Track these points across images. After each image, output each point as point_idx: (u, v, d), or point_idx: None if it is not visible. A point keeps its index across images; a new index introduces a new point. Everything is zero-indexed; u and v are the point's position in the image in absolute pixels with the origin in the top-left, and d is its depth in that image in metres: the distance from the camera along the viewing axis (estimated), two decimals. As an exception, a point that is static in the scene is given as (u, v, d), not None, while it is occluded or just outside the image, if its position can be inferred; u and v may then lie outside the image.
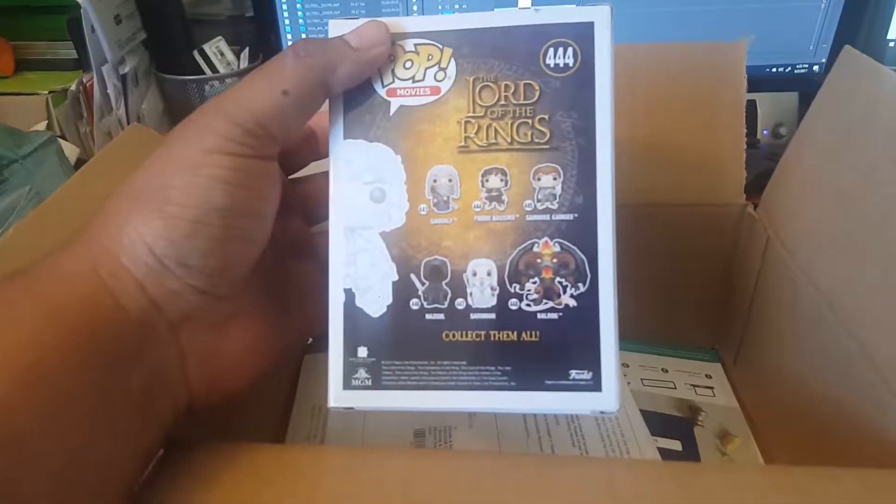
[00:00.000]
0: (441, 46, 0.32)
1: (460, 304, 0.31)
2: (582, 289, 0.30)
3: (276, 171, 0.30)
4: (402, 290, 0.31)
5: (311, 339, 0.44)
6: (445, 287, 0.31)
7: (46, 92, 0.76)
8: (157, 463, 0.25)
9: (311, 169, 0.37)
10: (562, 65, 0.31)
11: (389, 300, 0.31)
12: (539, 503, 0.24)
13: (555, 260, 0.30)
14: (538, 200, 0.31)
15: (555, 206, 0.30)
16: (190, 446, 0.26)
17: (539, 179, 0.31)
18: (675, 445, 0.43)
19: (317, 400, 0.40)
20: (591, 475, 0.25)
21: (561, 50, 0.31)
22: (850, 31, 0.72)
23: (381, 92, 0.32)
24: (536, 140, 0.31)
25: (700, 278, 0.48)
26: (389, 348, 0.31)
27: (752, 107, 0.74)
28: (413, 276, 0.31)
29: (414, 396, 0.30)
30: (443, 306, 0.31)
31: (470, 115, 0.31)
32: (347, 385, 0.31)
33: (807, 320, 0.37)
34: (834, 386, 0.34)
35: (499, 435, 0.35)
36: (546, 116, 0.31)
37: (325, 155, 0.32)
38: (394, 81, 0.32)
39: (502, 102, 0.31)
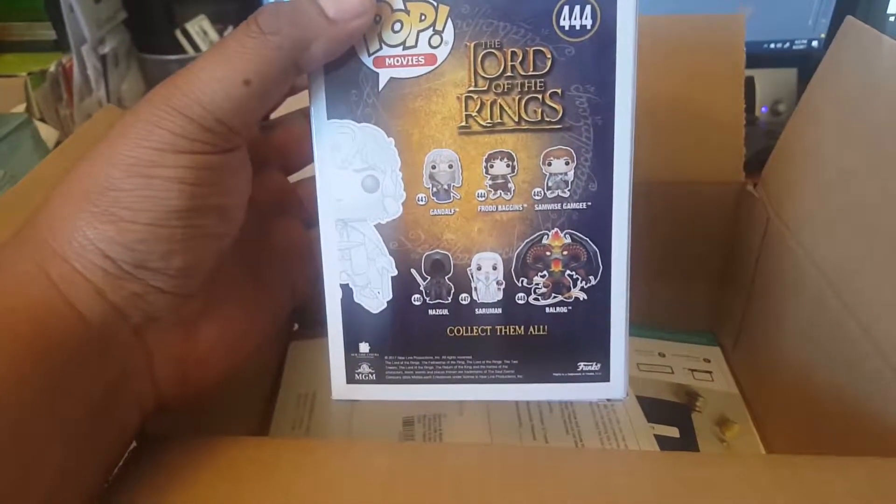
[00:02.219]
0: (435, 3, 0.25)
1: (465, 299, 0.27)
2: (593, 282, 0.27)
3: (243, 159, 0.25)
4: (403, 286, 0.27)
5: (297, 325, 0.41)
6: (448, 282, 0.27)
7: (25, 74, 0.69)
8: (129, 457, 0.23)
9: (284, 107, 0.31)
10: (578, 27, 0.24)
11: (389, 296, 0.27)
12: (528, 502, 0.21)
13: (565, 252, 0.27)
14: (548, 188, 0.26)
15: (566, 195, 0.26)
16: (164, 441, 0.24)
17: (549, 164, 0.26)
18: (673, 432, 0.39)
19: (302, 388, 0.36)
20: (585, 469, 0.23)
21: (577, 8, 0.24)
22: (849, 6, 0.67)
23: (368, 62, 0.25)
24: (547, 119, 0.25)
25: (698, 259, 0.43)
26: (392, 344, 0.28)
27: (750, 83, 0.68)
28: (413, 272, 0.27)
29: (419, 390, 0.28)
30: (446, 301, 0.27)
31: (471, 89, 0.25)
32: (351, 379, 0.28)
33: (809, 302, 0.34)
34: (837, 370, 0.31)
35: (490, 424, 0.32)
36: (559, 91, 0.25)
37: (304, 86, 0.26)
38: (381, 48, 0.25)
39: (508, 74, 0.25)
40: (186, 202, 0.22)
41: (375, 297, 0.27)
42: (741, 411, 0.41)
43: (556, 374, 0.27)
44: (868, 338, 0.29)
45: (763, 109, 0.73)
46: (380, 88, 0.25)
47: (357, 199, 0.26)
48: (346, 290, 0.27)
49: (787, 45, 0.72)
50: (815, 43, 0.71)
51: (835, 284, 0.32)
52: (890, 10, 0.69)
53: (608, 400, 0.27)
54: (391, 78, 0.25)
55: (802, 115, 0.38)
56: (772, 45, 0.72)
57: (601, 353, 0.26)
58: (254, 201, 0.27)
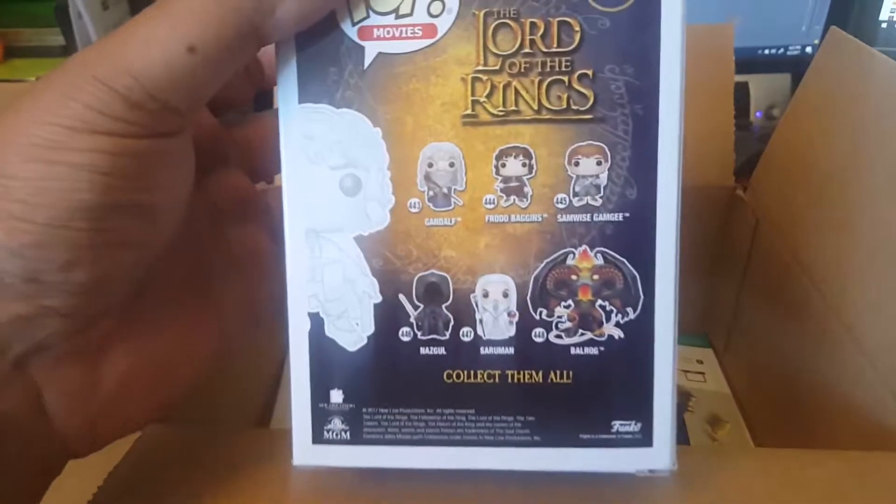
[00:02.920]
0: (437, -38, 0.20)
1: (467, 334, 0.21)
2: (631, 315, 0.21)
3: (184, 148, 0.19)
4: (388, 316, 0.21)
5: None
6: (446, 312, 0.21)
7: (34, 79, 0.69)
8: (132, 445, 0.23)
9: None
10: (614, -6, 0.20)
11: (371, 329, 0.21)
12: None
13: (596, 276, 0.21)
14: (575, 194, 0.20)
15: (598, 203, 0.20)
16: (165, 429, 0.24)
17: (577, 164, 0.20)
18: (666, 431, 0.38)
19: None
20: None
21: (614, -30, 0.20)
22: (841, 12, 0.70)
23: (351, 33, 0.20)
24: (575, 107, 0.20)
25: (689, 262, 0.45)
26: (372, 392, 0.21)
27: (744, 88, 0.69)
28: (402, 297, 0.21)
29: (406, 454, 0.21)
30: (443, 337, 0.21)
31: (480, 68, 0.20)
32: (318, 438, 0.22)
33: (796, 304, 0.34)
34: (823, 370, 0.32)
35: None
36: (589, 72, 0.20)
37: (274, 84, 0.21)
38: (368, 17, 0.20)
39: (527, 50, 0.20)
40: (99, 197, 0.16)
41: (353, 331, 0.21)
42: (733, 411, 0.42)
43: (584, 437, 0.20)
44: (851, 337, 0.29)
45: (757, 114, 0.73)
46: (365, 66, 0.19)
47: (333, 203, 0.20)
48: (316, 321, 0.21)
49: (782, 50, 0.73)
50: (808, 49, 0.73)
51: (819, 285, 0.33)
52: (882, 17, 0.70)
53: (650, 471, 0.20)
54: (380, 53, 0.19)
55: (789, 123, 0.39)
56: (766, 51, 0.73)
57: (642, 408, 0.20)
58: (207, 204, 0.22)
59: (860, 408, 0.29)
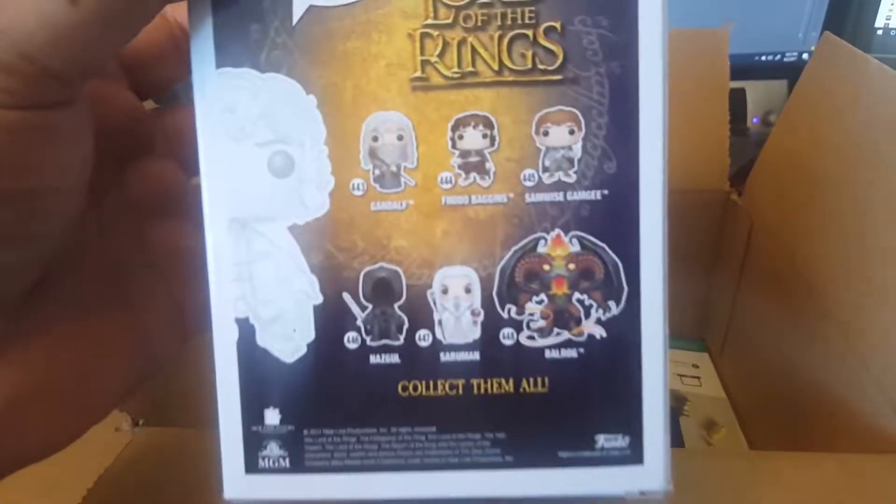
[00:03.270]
0: None
1: (424, 338, 0.18)
2: (614, 310, 0.18)
3: (74, 124, 0.16)
4: (331, 320, 0.18)
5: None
6: (400, 312, 0.18)
7: None
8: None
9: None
10: (584, -67, 0.17)
11: (311, 335, 0.18)
12: None
13: (572, 266, 0.18)
14: (545, 169, 0.17)
15: (572, 179, 0.17)
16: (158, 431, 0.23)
17: (546, 134, 0.17)
18: (660, 436, 0.37)
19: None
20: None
21: None
22: (838, 19, 0.70)
23: (275, -17, 0.17)
24: (542, 66, 0.17)
25: (685, 266, 0.44)
26: (315, 410, 0.18)
27: (741, 95, 0.69)
28: (347, 297, 0.18)
29: (356, 483, 0.18)
30: (397, 343, 0.18)
31: (429, 22, 0.17)
32: (252, 467, 0.18)
33: (791, 308, 0.34)
34: (818, 374, 0.31)
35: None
36: (557, 25, 0.17)
37: None
38: (295, -37, 0.17)
39: (484, 0, 0.17)
40: None
41: (290, 339, 0.17)
42: (728, 415, 0.42)
43: (564, 455, 0.17)
44: (845, 340, 0.29)
45: (754, 120, 0.72)
46: (294, 21, 0.16)
47: (261, 187, 0.17)
48: (245, 328, 0.17)
49: (778, 57, 0.73)
50: (805, 55, 0.73)
51: (813, 288, 0.32)
52: (877, 24, 0.70)
53: (641, 493, 0.17)
54: (311, 6, 0.16)
55: (784, 127, 0.39)
56: (763, 58, 0.73)
57: (630, 419, 0.17)
58: (126, 198, 0.18)
59: (854, 410, 0.28)
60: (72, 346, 0.17)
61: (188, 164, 0.20)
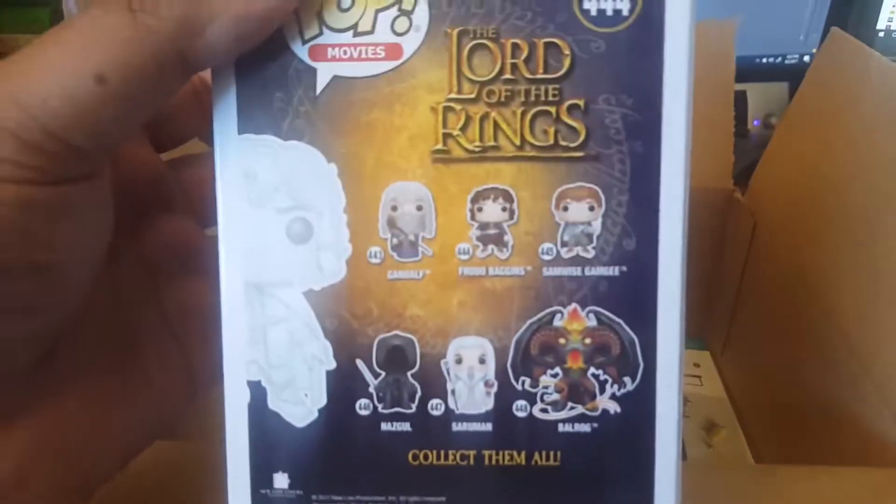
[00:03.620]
0: (403, -28, 0.17)
1: (437, 407, 0.18)
2: (629, 386, 0.18)
3: (95, 197, 0.16)
4: (344, 386, 0.18)
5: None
6: (412, 381, 0.18)
7: None
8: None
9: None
10: (610, 11, 0.17)
11: (322, 401, 0.18)
12: None
13: (588, 340, 0.18)
14: (563, 244, 0.17)
15: (590, 255, 0.17)
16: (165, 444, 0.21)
17: (566, 209, 0.17)
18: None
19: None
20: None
21: (609, -14, 0.17)
22: (839, 21, 0.70)
23: (301, 53, 0.17)
24: (563, 143, 0.17)
25: (687, 265, 0.44)
26: (323, 476, 0.18)
27: (742, 97, 0.69)
28: (361, 364, 0.18)
29: (364, 550, 0.18)
30: (409, 411, 0.18)
31: (453, 96, 0.17)
32: (259, 529, 0.18)
33: (793, 310, 0.34)
34: (819, 377, 0.31)
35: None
36: (580, 103, 0.17)
37: None
38: (322, 34, 0.17)
39: (508, 76, 0.17)
40: None
41: (301, 403, 0.17)
42: (729, 416, 0.41)
43: (574, 528, 0.17)
44: (846, 344, 0.29)
45: (755, 123, 0.72)
46: (318, 91, 0.16)
47: (279, 252, 0.17)
48: (258, 391, 0.17)
49: (779, 59, 0.73)
50: (806, 57, 0.73)
51: (816, 293, 0.32)
52: (879, 26, 0.70)
53: (651, 569, 0.17)
54: (335, 76, 0.16)
55: (788, 125, 0.38)
56: (764, 60, 0.73)
57: (642, 495, 0.17)
58: (141, 256, 0.18)
59: (855, 416, 0.28)
60: (83, 408, 0.17)
61: (206, 218, 0.20)
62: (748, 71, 0.70)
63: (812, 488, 0.22)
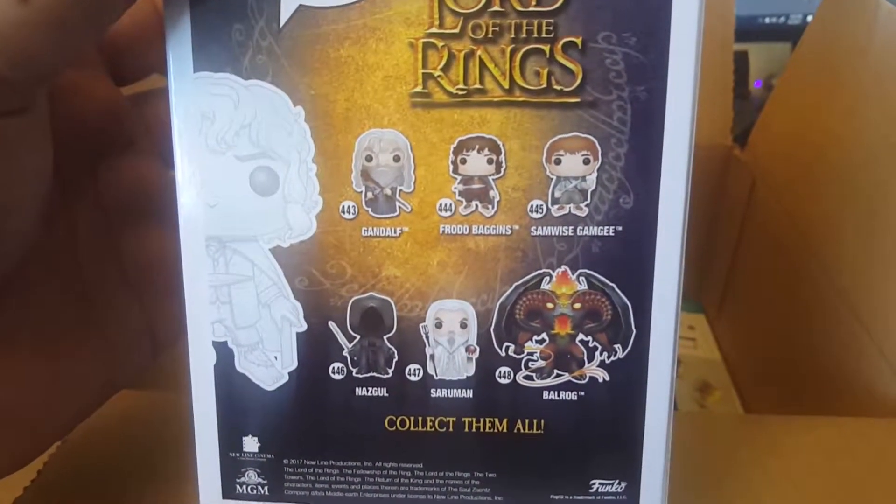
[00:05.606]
0: None
1: (415, 373, 0.17)
2: (620, 354, 0.16)
3: (27, 132, 0.14)
4: (316, 348, 0.17)
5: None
6: (389, 345, 0.17)
7: None
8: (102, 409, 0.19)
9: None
10: (615, -65, 0.14)
11: (293, 364, 0.17)
12: None
13: (577, 305, 0.16)
14: (555, 201, 0.16)
15: (583, 213, 0.16)
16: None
17: (558, 163, 0.16)
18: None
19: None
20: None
21: None
22: None
23: (260, -23, 0.15)
24: (557, 86, 0.15)
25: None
26: (295, 440, 0.17)
27: (743, 58, 0.65)
28: (334, 326, 0.17)
29: (338, 515, 0.17)
30: (385, 376, 0.17)
31: (434, 31, 0.15)
32: (229, 492, 0.17)
33: (791, 268, 0.33)
34: (817, 334, 0.30)
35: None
36: (577, 40, 0.15)
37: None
38: (284, -45, 0.15)
39: (496, 8, 0.15)
40: None
41: (271, 366, 0.16)
42: (723, 377, 0.40)
43: (557, 498, 0.16)
44: (844, 300, 0.28)
45: (756, 84, 0.69)
46: (282, 23, 0.14)
47: (242, 204, 0.15)
48: (224, 352, 0.16)
49: (782, 19, 0.70)
50: (809, 17, 0.69)
51: (815, 248, 0.31)
52: None
53: (635, 538, 0.16)
54: (301, 6, 0.14)
55: (789, 80, 0.37)
56: (766, 20, 0.70)
57: (628, 466, 0.16)
58: (97, 201, 0.17)
59: (853, 374, 0.27)
60: (35, 363, 0.16)
61: (171, 158, 0.18)
62: (750, 31, 0.66)
63: (809, 439, 0.22)
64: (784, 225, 0.35)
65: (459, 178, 0.15)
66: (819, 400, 0.30)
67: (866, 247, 0.27)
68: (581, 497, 0.17)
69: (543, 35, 0.15)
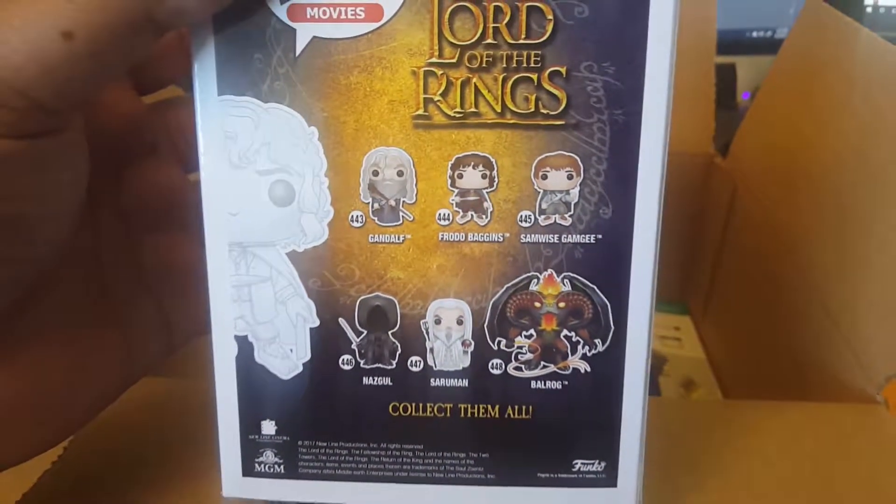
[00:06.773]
0: (384, -73, 0.16)
1: (416, 364, 0.19)
2: (600, 347, 0.18)
3: (65, 149, 0.16)
4: (327, 342, 0.19)
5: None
6: (393, 339, 0.19)
7: None
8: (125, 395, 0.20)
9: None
10: (596, -25, 0.16)
11: (306, 355, 0.19)
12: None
13: (562, 304, 0.18)
14: (542, 212, 0.18)
15: (567, 223, 0.18)
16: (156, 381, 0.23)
17: (545, 178, 0.17)
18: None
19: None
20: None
21: (597, -54, 0.16)
22: None
23: (280, 12, 0.17)
24: (544, 110, 0.17)
25: (668, 229, 0.47)
26: (308, 424, 0.19)
27: (731, 70, 0.68)
28: (343, 322, 0.18)
29: (346, 490, 0.19)
30: (389, 367, 0.19)
31: (434, 60, 0.17)
32: (249, 470, 0.19)
33: (769, 269, 0.35)
34: (792, 331, 0.32)
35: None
36: (562, 69, 0.17)
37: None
38: (300, -8, 0.16)
39: (490, 41, 0.17)
40: None
41: (287, 357, 0.18)
42: (707, 375, 0.43)
43: (543, 476, 0.18)
44: (818, 299, 0.30)
45: (744, 96, 0.71)
46: (297, 53, 0.16)
47: (261, 213, 0.17)
48: (245, 346, 0.18)
49: (769, 33, 0.72)
50: None
51: (791, 252, 0.33)
52: (867, 1, 0.70)
53: (613, 511, 0.18)
54: (314, 37, 0.16)
55: (769, 89, 0.39)
56: (754, 33, 0.72)
57: (607, 447, 0.18)
58: (120, 206, 0.18)
59: (823, 364, 0.29)
60: (57, 357, 0.18)
61: (190, 162, 0.20)
62: (738, 44, 0.68)
63: (778, 422, 0.24)
64: (763, 229, 0.36)
65: (457, 191, 0.17)
66: (793, 390, 0.32)
67: (837, 247, 0.29)
68: (565, 475, 0.19)
69: (532, 65, 0.16)
